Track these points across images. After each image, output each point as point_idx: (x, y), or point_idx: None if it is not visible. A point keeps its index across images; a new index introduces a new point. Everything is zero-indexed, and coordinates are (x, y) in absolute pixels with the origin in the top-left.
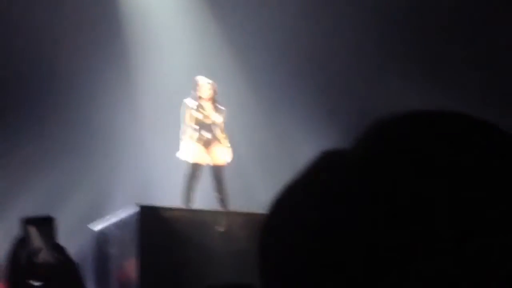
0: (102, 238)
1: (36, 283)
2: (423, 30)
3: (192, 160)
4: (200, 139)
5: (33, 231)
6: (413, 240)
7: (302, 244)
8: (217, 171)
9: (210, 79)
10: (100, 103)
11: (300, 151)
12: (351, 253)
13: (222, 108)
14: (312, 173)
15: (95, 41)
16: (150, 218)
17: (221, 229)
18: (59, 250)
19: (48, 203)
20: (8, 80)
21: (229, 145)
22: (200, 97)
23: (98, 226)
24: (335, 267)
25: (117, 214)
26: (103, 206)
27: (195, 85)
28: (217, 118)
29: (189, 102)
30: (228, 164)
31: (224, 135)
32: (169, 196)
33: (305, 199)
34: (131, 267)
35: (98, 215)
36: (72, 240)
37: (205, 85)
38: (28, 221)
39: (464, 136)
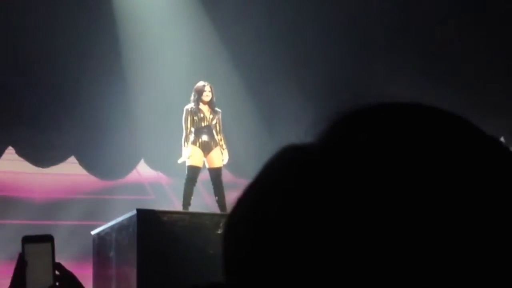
0: (101, 242)
1: None
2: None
3: (190, 163)
4: (198, 142)
5: (31, 249)
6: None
7: (258, 244)
8: (215, 174)
9: (207, 81)
10: (97, 108)
11: None
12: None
13: (219, 110)
14: (270, 170)
15: (90, 48)
16: (149, 221)
17: (219, 231)
18: (57, 267)
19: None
20: None
21: (225, 147)
22: (199, 101)
23: (97, 230)
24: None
25: (116, 219)
26: (103, 210)
27: (197, 90)
28: (214, 120)
29: (189, 107)
30: (226, 166)
31: (220, 137)
32: (168, 200)
33: (261, 198)
34: (130, 271)
35: (98, 220)
36: (72, 244)
37: (206, 88)
38: (27, 240)
39: (443, 136)
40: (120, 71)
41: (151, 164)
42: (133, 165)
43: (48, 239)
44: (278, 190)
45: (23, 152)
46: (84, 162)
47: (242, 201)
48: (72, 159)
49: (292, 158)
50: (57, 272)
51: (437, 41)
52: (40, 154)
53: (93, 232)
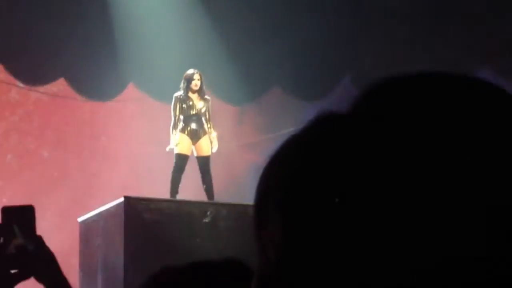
0: (88, 229)
1: (13, 271)
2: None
3: (178, 151)
4: (186, 130)
5: (12, 220)
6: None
7: (297, 215)
8: (203, 162)
9: (199, 69)
10: (86, 29)
11: None
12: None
13: (208, 98)
14: (309, 134)
15: (84, 35)
16: (136, 209)
17: (206, 220)
18: (37, 239)
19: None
20: None
21: (214, 135)
22: (188, 89)
23: (84, 218)
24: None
25: (104, 206)
26: (91, 198)
27: (187, 78)
28: (204, 109)
29: (178, 94)
30: (214, 154)
31: (210, 126)
32: (156, 187)
33: (301, 163)
34: (117, 258)
35: (85, 207)
36: (59, 231)
37: (195, 77)
38: (7, 210)
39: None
40: None
41: (140, 86)
42: (122, 87)
43: (28, 210)
44: (311, 159)
45: (13, 70)
46: (73, 83)
47: (273, 168)
48: None
49: (326, 125)
50: (35, 245)
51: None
52: (29, 73)
53: (80, 220)
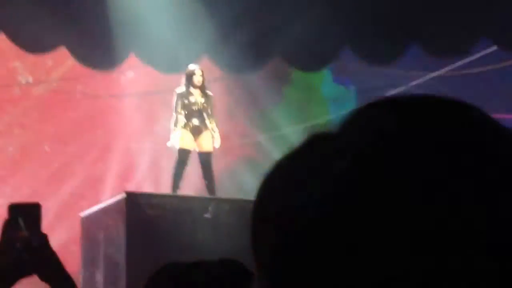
0: (90, 224)
1: (17, 267)
2: None
3: (180, 146)
4: (188, 126)
5: (18, 216)
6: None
7: (290, 230)
8: (205, 158)
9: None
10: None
11: (290, 139)
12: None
13: (210, 94)
14: (299, 156)
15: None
16: (137, 204)
17: (208, 215)
18: (42, 237)
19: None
20: None
21: (217, 131)
22: (190, 85)
23: (86, 212)
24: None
25: (105, 200)
26: (89, 189)
27: (188, 73)
28: (206, 104)
29: (180, 90)
30: (216, 150)
31: (212, 121)
32: (154, 180)
33: (292, 184)
34: (118, 253)
35: (84, 197)
36: (58, 220)
37: (197, 72)
38: (14, 207)
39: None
40: None
41: (141, 57)
42: (123, 57)
43: (35, 207)
44: (301, 179)
45: (13, 37)
46: (74, 52)
47: (267, 189)
48: None
49: (316, 146)
50: (40, 242)
51: None
52: (30, 40)
53: (82, 214)
